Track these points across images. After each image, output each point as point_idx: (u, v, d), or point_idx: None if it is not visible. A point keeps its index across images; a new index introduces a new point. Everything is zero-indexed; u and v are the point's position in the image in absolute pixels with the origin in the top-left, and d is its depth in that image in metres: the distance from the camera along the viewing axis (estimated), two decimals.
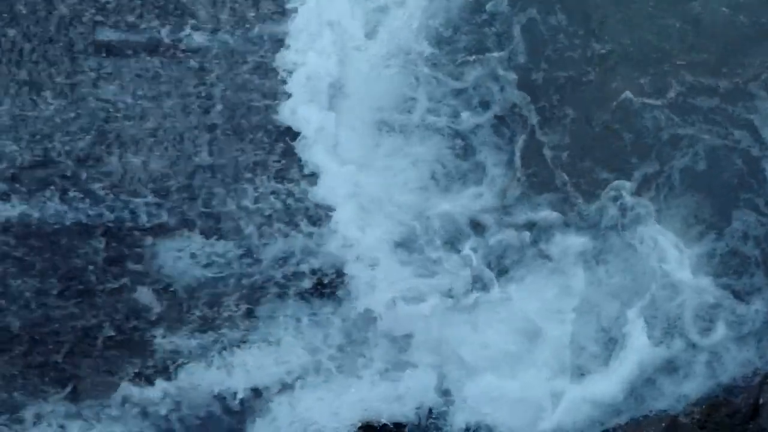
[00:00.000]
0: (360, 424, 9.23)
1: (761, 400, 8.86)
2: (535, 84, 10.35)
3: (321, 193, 9.99)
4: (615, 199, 9.95)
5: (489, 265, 9.75)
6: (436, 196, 10.01)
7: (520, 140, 10.16)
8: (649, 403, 9.19)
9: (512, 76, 10.36)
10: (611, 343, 9.43)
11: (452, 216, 9.92)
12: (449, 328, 9.52)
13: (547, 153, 10.13)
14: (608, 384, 9.26)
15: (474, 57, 10.45)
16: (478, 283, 9.68)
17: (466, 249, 9.81)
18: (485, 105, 10.31)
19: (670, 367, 9.33)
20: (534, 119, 10.22)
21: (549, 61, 10.43)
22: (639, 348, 9.33)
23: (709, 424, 8.90)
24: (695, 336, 9.42)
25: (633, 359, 9.30)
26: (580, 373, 9.35)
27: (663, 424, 8.95)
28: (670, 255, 9.68)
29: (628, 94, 10.26)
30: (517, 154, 10.12)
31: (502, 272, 9.74)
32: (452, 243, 9.84)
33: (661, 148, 10.11)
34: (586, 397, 9.24)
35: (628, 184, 9.99)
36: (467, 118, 10.26)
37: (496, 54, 10.44)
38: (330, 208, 9.91)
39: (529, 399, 9.31)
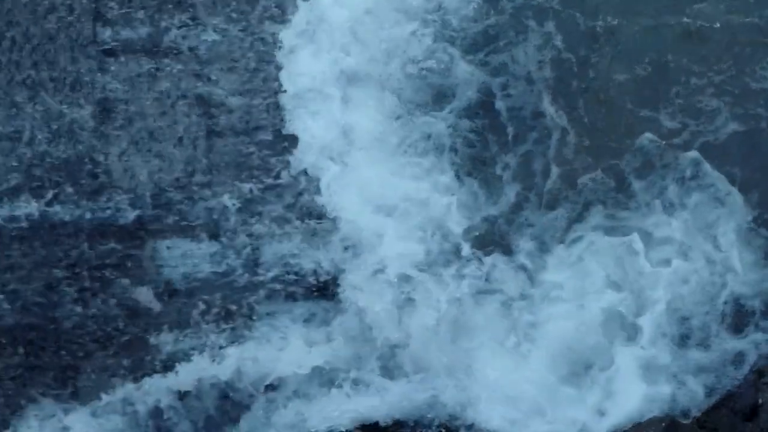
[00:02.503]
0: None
1: (760, 400, 8.86)
2: (555, 77, 10.34)
3: (326, 191, 9.95)
4: (653, 180, 9.94)
5: (522, 264, 9.72)
6: (458, 189, 9.98)
7: (551, 131, 10.12)
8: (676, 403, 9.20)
9: (533, 70, 10.35)
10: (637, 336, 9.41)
11: (481, 215, 9.89)
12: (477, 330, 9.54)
13: (572, 146, 10.10)
14: (631, 380, 9.23)
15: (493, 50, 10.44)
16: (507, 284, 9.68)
17: (497, 248, 9.77)
18: (509, 96, 10.28)
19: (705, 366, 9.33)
20: (561, 109, 10.18)
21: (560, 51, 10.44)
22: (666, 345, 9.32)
23: (709, 424, 8.90)
24: (734, 332, 9.40)
25: (659, 359, 9.29)
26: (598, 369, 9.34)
27: (663, 424, 8.94)
28: (718, 239, 9.64)
29: (650, 82, 10.29)
30: (552, 145, 10.07)
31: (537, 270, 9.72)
32: (481, 243, 9.80)
33: (694, 126, 10.11)
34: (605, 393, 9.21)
35: (666, 165, 9.96)
36: (495, 108, 10.23)
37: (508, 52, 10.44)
38: (336, 207, 9.89)
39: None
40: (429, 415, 9.32)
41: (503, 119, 10.16)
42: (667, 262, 9.58)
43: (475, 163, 10.06)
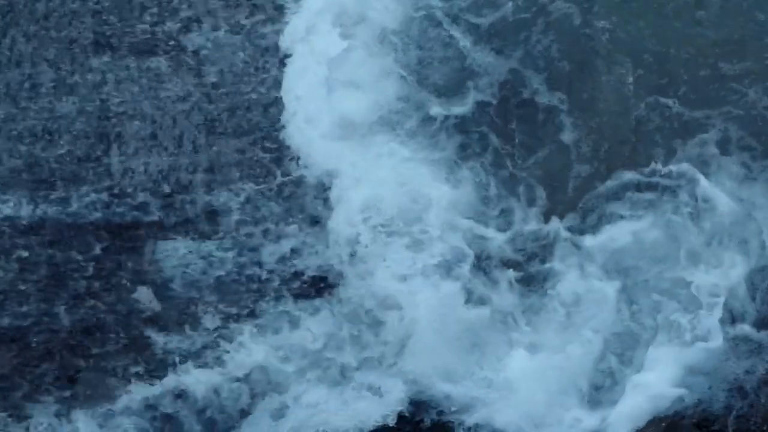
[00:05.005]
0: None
1: (762, 400, 8.80)
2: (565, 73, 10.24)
3: (328, 187, 9.88)
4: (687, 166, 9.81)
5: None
6: (468, 183, 9.89)
7: (567, 123, 10.02)
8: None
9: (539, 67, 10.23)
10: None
11: (496, 213, 9.81)
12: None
13: (592, 137, 10.01)
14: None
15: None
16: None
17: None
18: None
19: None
20: (578, 101, 10.08)
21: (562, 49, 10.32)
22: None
23: (708, 424, 8.85)
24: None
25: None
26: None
27: (663, 424, 8.89)
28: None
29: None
30: (570, 137, 9.97)
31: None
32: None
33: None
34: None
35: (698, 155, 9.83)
36: (510, 99, 10.13)
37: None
38: (338, 205, 9.84)
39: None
40: (431, 415, 9.32)
41: (517, 110, 10.07)
42: (702, 254, 9.49)
43: (488, 157, 9.97)
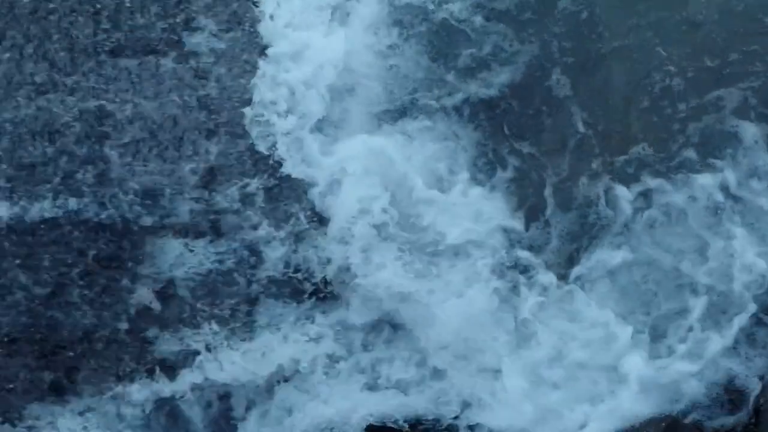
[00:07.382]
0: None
1: (761, 401, 8.83)
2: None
3: (327, 186, 9.86)
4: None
5: None
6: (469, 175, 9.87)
7: (575, 116, 9.99)
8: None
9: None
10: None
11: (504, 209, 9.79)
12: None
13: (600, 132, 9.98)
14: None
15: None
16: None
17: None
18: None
19: None
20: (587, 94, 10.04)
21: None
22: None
23: (710, 424, 8.89)
24: None
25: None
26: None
27: (663, 424, 8.92)
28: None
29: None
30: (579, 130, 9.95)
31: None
32: None
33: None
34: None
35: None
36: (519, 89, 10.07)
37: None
38: (337, 203, 9.83)
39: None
40: (430, 415, 9.33)
41: (525, 101, 10.03)
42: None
43: (502, 147, 9.93)
